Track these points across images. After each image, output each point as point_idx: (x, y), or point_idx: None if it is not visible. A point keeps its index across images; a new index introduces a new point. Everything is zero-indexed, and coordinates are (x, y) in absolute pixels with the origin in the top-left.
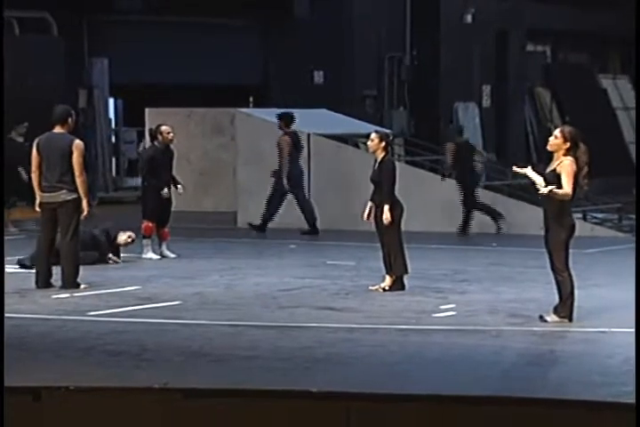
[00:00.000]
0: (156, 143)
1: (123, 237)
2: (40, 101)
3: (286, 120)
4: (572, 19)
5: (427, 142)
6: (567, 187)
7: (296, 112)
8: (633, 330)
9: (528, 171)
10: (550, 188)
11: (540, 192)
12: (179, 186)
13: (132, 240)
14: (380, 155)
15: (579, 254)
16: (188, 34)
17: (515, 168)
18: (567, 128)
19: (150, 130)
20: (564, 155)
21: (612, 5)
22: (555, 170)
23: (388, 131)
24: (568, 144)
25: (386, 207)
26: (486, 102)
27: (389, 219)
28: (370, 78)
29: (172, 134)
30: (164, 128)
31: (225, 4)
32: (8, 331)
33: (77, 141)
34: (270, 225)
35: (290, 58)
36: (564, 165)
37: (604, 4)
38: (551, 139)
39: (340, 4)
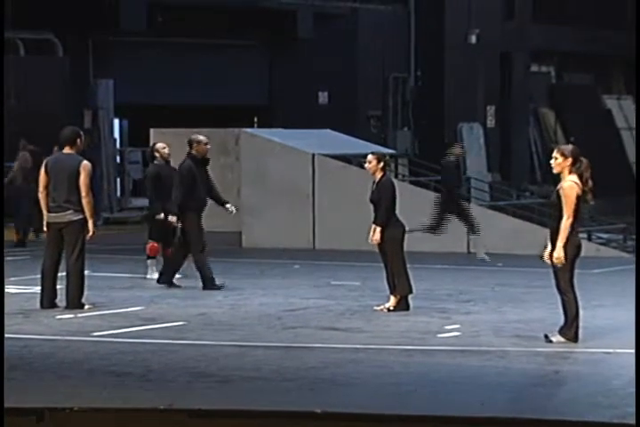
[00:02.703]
0: (156, 162)
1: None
2: (45, 122)
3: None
4: (577, 39)
5: (431, 163)
6: (567, 214)
7: (301, 132)
8: None
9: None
10: (557, 255)
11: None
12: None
13: None
14: (378, 175)
15: (584, 275)
16: (193, 55)
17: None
18: (563, 146)
19: (146, 151)
20: (569, 173)
21: (617, 26)
22: (559, 191)
23: (386, 150)
24: (570, 160)
25: (378, 229)
26: (491, 123)
27: (374, 241)
28: (374, 99)
29: (167, 149)
30: (158, 145)
31: (229, 26)
32: (12, 351)
33: (85, 162)
34: (275, 245)
35: (294, 78)
36: (565, 189)
37: (608, 25)
38: (552, 161)
39: (343, 24)
